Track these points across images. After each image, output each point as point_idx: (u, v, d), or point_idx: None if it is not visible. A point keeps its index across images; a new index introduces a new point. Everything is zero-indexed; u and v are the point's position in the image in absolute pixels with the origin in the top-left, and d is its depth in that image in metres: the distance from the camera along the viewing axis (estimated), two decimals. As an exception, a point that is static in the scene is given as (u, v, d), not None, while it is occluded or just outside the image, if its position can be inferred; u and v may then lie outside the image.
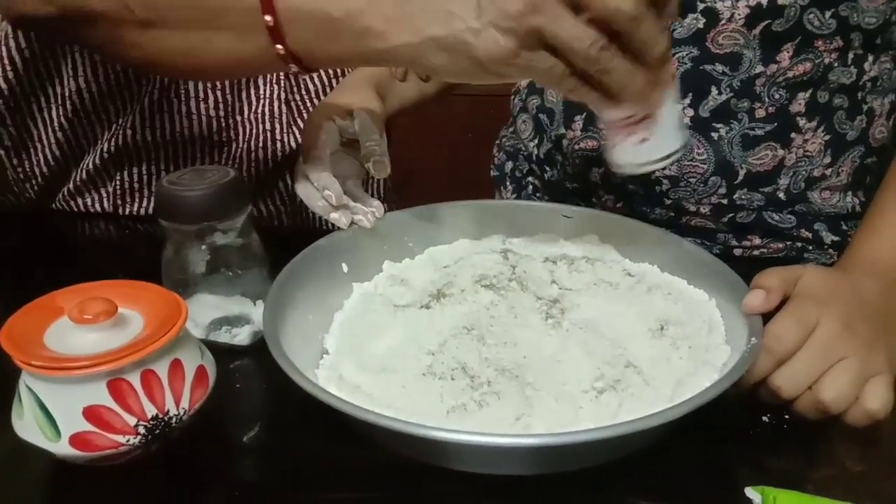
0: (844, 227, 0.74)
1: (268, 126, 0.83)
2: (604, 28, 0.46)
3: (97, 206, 0.84)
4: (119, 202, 0.83)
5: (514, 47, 0.47)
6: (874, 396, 0.50)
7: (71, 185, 0.83)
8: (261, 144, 0.83)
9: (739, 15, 0.66)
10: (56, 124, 0.79)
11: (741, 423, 0.52)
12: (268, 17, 0.51)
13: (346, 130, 0.66)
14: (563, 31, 0.46)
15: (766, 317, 0.52)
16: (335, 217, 0.63)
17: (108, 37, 0.58)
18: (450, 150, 1.91)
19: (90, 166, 0.81)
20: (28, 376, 0.44)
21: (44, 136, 0.80)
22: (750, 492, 0.45)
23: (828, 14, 0.65)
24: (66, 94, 0.77)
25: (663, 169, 0.64)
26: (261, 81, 0.82)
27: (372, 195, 0.67)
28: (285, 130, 0.83)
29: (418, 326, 0.55)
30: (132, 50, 0.57)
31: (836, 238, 0.74)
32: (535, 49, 0.47)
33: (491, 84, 0.51)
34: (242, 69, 0.66)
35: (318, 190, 0.62)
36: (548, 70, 0.48)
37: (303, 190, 0.64)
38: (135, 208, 0.83)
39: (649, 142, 0.52)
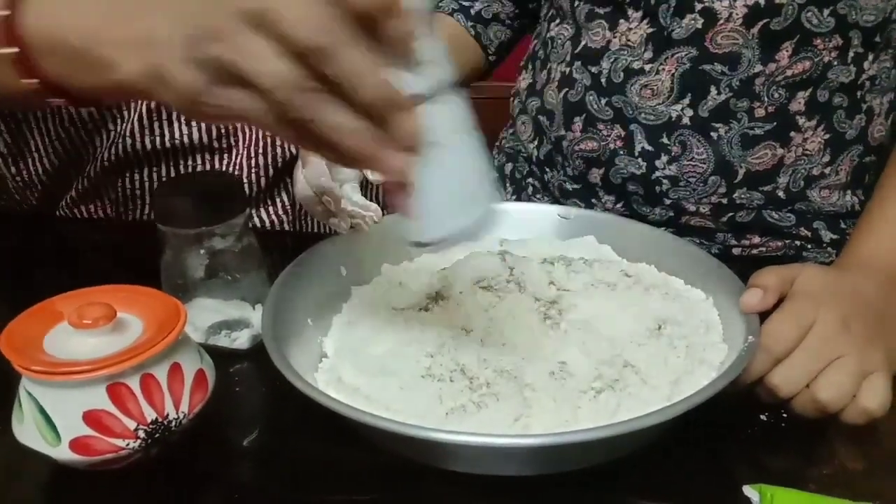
0: (843, 226, 0.75)
1: (267, 132, 0.83)
2: (306, 60, 0.38)
3: (100, 212, 0.84)
4: (122, 209, 0.83)
5: (200, 81, 0.39)
6: (871, 395, 0.50)
7: (73, 193, 0.83)
8: (261, 150, 0.83)
9: (738, 14, 0.67)
10: (53, 134, 0.79)
11: (739, 421, 0.52)
12: (12, 49, 0.45)
13: None
14: (248, 65, 0.38)
15: (764, 316, 0.52)
16: (335, 222, 0.63)
17: None
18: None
19: (91, 174, 0.81)
20: (28, 381, 0.45)
21: (41, 146, 0.80)
22: (748, 490, 0.45)
23: (826, 12, 0.66)
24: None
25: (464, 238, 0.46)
26: None
27: (370, 199, 0.67)
28: None
29: (417, 329, 0.55)
30: None
31: (835, 237, 0.74)
32: (228, 85, 0.39)
33: (209, 122, 0.44)
34: (21, 104, 0.59)
35: (318, 195, 0.63)
36: (245, 110, 0.40)
37: (302, 195, 0.64)
38: (137, 215, 0.84)
39: (418, 215, 0.43)
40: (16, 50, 0.46)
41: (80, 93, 0.48)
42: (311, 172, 0.63)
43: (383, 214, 0.65)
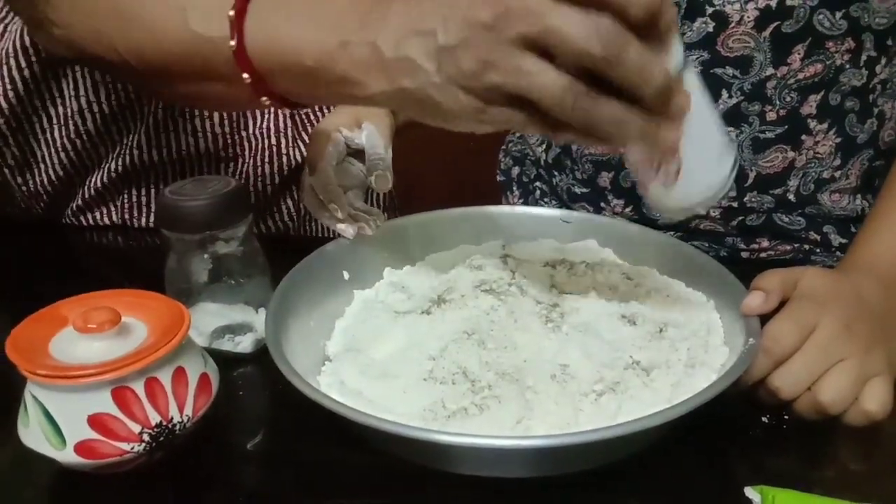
0: (853, 230, 0.74)
1: (273, 141, 0.83)
2: (582, 70, 0.40)
3: (105, 220, 0.84)
4: (127, 216, 0.84)
5: (476, 105, 0.42)
6: (873, 397, 0.50)
7: (79, 201, 0.84)
8: (266, 160, 0.83)
9: (749, 17, 0.66)
10: (59, 144, 0.79)
11: (740, 423, 0.52)
12: (245, 75, 0.49)
13: (352, 141, 0.67)
14: (526, 83, 0.40)
15: (766, 318, 0.52)
16: (342, 228, 0.63)
17: (130, 81, 0.59)
18: (452, 157, 1.91)
19: (98, 184, 0.82)
20: (33, 385, 0.45)
21: (47, 157, 0.80)
22: (749, 491, 0.45)
23: (838, 15, 0.65)
24: (69, 114, 0.78)
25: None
26: None
27: (374, 204, 0.68)
28: (291, 145, 0.84)
29: (419, 332, 0.56)
30: (150, 92, 0.59)
31: (844, 241, 0.74)
32: (501, 104, 0.42)
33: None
34: (243, 107, 0.66)
35: (325, 202, 0.63)
36: (522, 124, 0.43)
37: (309, 201, 0.65)
38: (142, 222, 0.84)
39: (682, 180, 0.45)
40: (249, 77, 0.49)
41: (303, 102, 0.52)
42: (318, 180, 0.63)
43: (386, 219, 0.65)
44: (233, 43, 0.48)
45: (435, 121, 0.46)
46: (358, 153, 0.67)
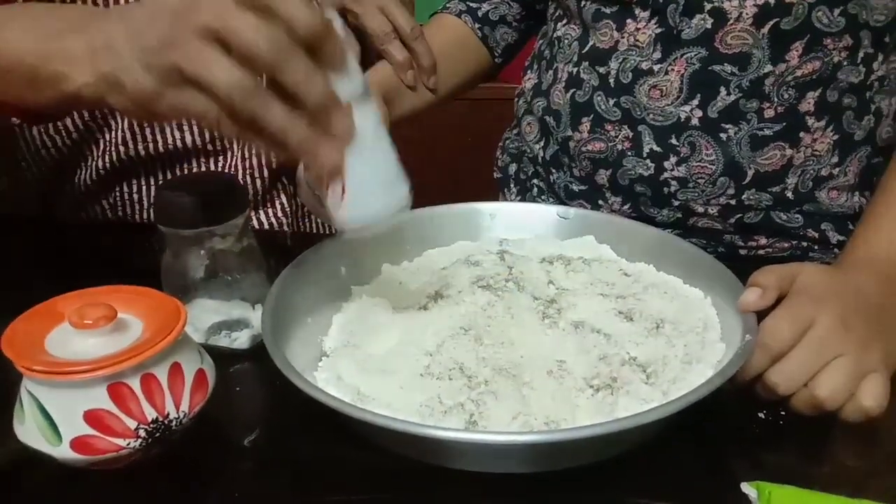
0: (851, 227, 0.74)
1: None
2: (255, 68, 0.43)
3: (100, 217, 0.84)
4: (121, 213, 0.84)
5: (155, 86, 0.45)
6: (869, 393, 0.50)
7: (72, 199, 0.84)
8: (255, 152, 0.83)
9: (747, 14, 0.66)
10: (38, 142, 0.79)
11: (737, 419, 0.52)
12: None
13: None
14: (203, 69, 0.43)
15: (763, 315, 0.52)
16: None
17: None
18: (450, 153, 1.91)
19: (88, 181, 0.82)
20: (29, 381, 0.45)
21: (27, 155, 0.80)
22: (746, 487, 0.45)
23: (836, 12, 0.65)
24: None
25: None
26: None
27: None
28: None
29: (416, 328, 0.56)
30: None
31: (842, 238, 0.74)
32: (181, 88, 0.44)
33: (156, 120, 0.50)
34: None
35: (320, 198, 0.63)
36: (200, 112, 0.45)
37: (306, 198, 0.65)
38: (136, 218, 0.84)
39: (346, 200, 0.49)
40: None
41: (35, 109, 0.54)
42: (313, 178, 0.63)
43: None
44: None
45: (125, 109, 0.48)
46: None
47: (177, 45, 0.43)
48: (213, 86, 0.43)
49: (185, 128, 0.80)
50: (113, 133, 0.79)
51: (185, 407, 0.47)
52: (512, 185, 0.91)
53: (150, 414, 0.45)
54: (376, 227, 0.51)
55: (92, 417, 0.44)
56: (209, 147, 0.81)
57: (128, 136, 0.79)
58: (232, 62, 0.43)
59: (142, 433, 0.45)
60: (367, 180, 0.49)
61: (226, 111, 0.44)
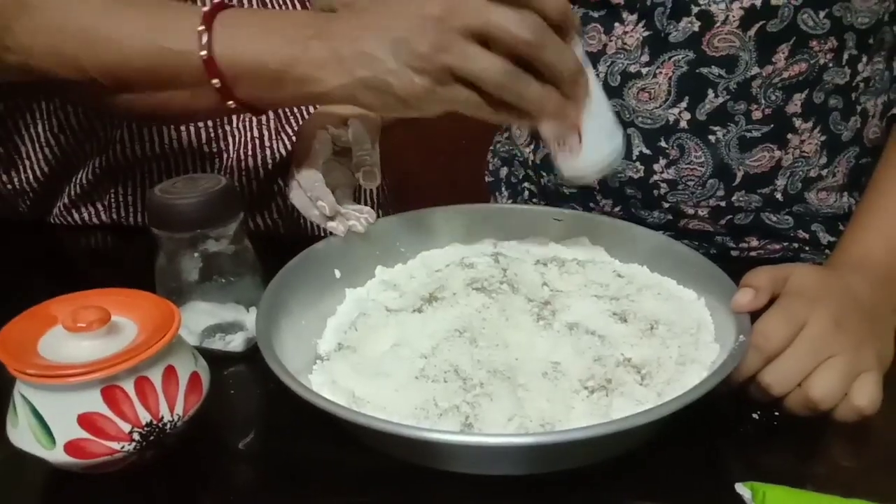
0: (841, 228, 0.75)
1: (255, 133, 0.83)
2: (513, 56, 0.50)
3: (94, 219, 0.84)
4: (115, 215, 0.84)
5: (428, 85, 0.51)
6: (863, 393, 0.50)
7: (66, 200, 0.83)
8: (250, 153, 0.83)
9: (734, 17, 0.67)
10: (42, 139, 0.79)
11: (731, 420, 0.52)
12: (214, 81, 0.55)
13: (339, 139, 0.67)
14: (473, 65, 0.50)
15: (756, 315, 0.52)
16: (332, 226, 0.63)
17: (87, 96, 0.64)
18: (443, 156, 1.91)
19: (83, 181, 0.81)
20: (22, 385, 0.45)
21: (31, 153, 0.80)
22: (740, 488, 0.45)
23: (822, 14, 0.66)
24: (52, 109, 0.78)
25: (617, 173, 0.68)
26: None
27: (366, 203, 0.68)
28: (274, 137, 0.84)
29: (411, 330, 0.55)
30: (108, 107, 0.62)
31: (832, 239, 0.75)
32: (449, 84, 0.51)
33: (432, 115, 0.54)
34: (205, 117, 0.71)
35: (312, 200, 0.63)
36: (465, 102, 0.52)
37: (297, 199, 0.65)
38: (130, 221, 0.84)
39: (581, 152, 0.55)
40: (218, 82, 0.55)
41: (264, 106, 0.60)
42: (305, 178, 0.63)
43: (378, 216, 0.65)
44: (203, 53, 0.55)
45: (391, 107, 0.53)
46: (345, 152, 0.67)
47: (447, 50, 0.50)
48: (482, 79, 0.50)
49: (182, 128, 0.80)
50: (114, 131, 0.79)
51: (179, 410, 0.47)
52: (503, 189, 0.91)
53: (145, 417, 0.45)
54: (600, 176, 0.59)
55: (86, 421, 0.44)
56: (205, 148, 0.81)
57: (126, 134, 0.79)
58: (494, 54, 0.50)
59: (136, 436, 0.45)
60: (595, 131, 0.55)
61: (489, 98, 0.51)
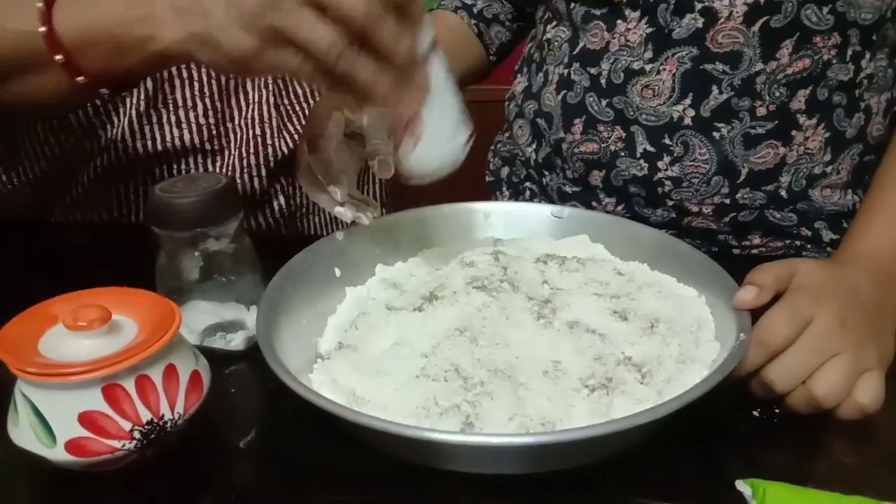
0: (845, 226, 0.75)
1: (258, 131, 0.83)
2: (348, 29, 0.48)
3: (95, 218, 0.84)
4: (116, 214, 0.83)
5: (256, 45, 0.48)
6: (866, 391, 0.50)
7: (68, 200, 0.83)
8: (252, 150, 0.83)
9: (738, 13, 0.67)
10: (42, 138, 0.79)
11: (732, 417, 0.52)
12: (58, 56, 0.54)
13: (352, 123, 0.66)
14: (302, 30, 0.48)
15: (759, 312, 0.52)
16: (340, 211, 0.62)
17: None
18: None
19: (84, 180, 0.81)
20: (23, 383, 0.45)
21: (31, 152, 0.80)
22: (740, 485, 0.45)
23: (825, 9, 0.66)
24: None
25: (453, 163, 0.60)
26: (249, 87, 0.83)
27: (367, 195, 0.67)
28: (275, 135, 0.84)
29: (411, 329, 0.55)
30: None
31: (835, 237, 0.75)
32: (278, 47, 0.49)
33: (253, 75, 0.54)
34: (66, 101, 0.65)
35: (324, 184, 0.62)
36: (295, 68, 0.49)
37: (306, 182, 0.64)
38: (131, 220, 0.84)
39: (420, 147, 0.54)
40: (62, 57, 0.54)
41: (121, 76, 0.57)
42: (318, 160, 0.62)
43: (381, 214, 0.65)
44: (42, 28, 0.53)
45: (222, 65, 0.51)
46: (353, 136, 0.66)
47: (278, 9, 0.47)
48: (311, 45, 0.48)
49: (184, 126, 0.80)
50: (114, 130, 0.79)
51: (179, 408, 0.47)
52: (504, 189, 0.91)
53: (145, 416, 0.45)
54: (439, 175, 0.56)
55: (86, 419, 0.44)
56: (207, 146, 0.81)
57: (127, 133, 0.79)
58: (328, 23, 0.47)
59: (136, 435, 0.45)
60: (435, 129, 0.53)
61: (320, 68, 0.49)
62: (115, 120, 0.79)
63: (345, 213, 0.62)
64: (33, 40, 0.54)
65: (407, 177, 0.57)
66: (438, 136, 0.54)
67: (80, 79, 0.56)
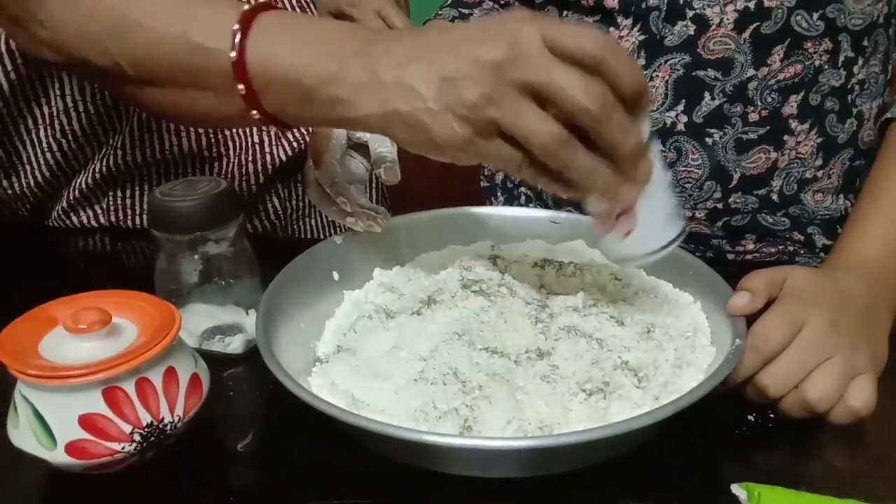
0: (838, 230, 0.75)
1: (256, 139, 0.83)
2: (569, 123, 0.45)
3: (92, 222, 0.84)
4: (113, 219, 0.84)
5: (468, 136, 0.45)
6: (858, 395, 0.51)
7: (64, 203, 0.83)
8: (251, 158, 0.83)
9: (728, 19, 0.67)
10: (45, 145, 0.79)
11: (727, 422, 0.52)
12: (240, 86, 0.50)
13: (354, 134, 0.66)
14: (522, 124, 0.44)
15: (754, 318, 0.53)
16: (351, 221, 0.62)
17: (114, 87, 0.60)
18: (438, 161, 1.91)
19: (83, 185, 0.81)
20: (23, 385, 0.45)
21: (33, 158, 0.80)
22: (736, 488, 0.46)
23: (815, 16, 0.67)
24: (54, 113, 0.77)
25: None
26: None
27: (376, 202, 0.67)
28: (274, 142, 0.84)
29: (409, 333, 0.56)
30: (133, 100, 0.59)
31: (828, 242, 0.75)
32: (491, 138, 0.46)
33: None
34: (227, 124, 0.64)
35: (332, 196, 0.62)
36: (505, 159, 0.46)
37: (315, 196, 0.64)
38: (129, 224, 0.84)
39: (633, 236, 0.51)
40: (244, 88, 0.50)
41: (290, 121, 0.53)
42: (324, 174, 0.63)
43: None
44: (233, 54, 0.49)
45: (423, 147, 0.48)
46: (358, 147, 0.67)
47: (498, 103, 0.44)
48: (530, 141, 0.45)
49: (183, 133, 0.80)
50: (116, 137, 0.79)
51: (179, 411, 0.47)
52: (499, 194, 0.91)
53: (145, 418, 0.45)
54: (645, 262, 0.53)
55: (87, 422, 0.44)
56: (205, 153, 0.81)
57: (127, 140, 0.79)
58: (548, 116, 0.44)
59: (136, 437, 0.45)
60: (650, 217, 0.50)
61: (533, 160, 0.46)
62: (118, 127, 0.79)
63: (356, 223, 0.62)
64: (220, 61, 0.50)
65: (612, 259, 0.54)
66: (649, 228, 0.51)
67: (254, 113, 0.52)
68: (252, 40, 0.50)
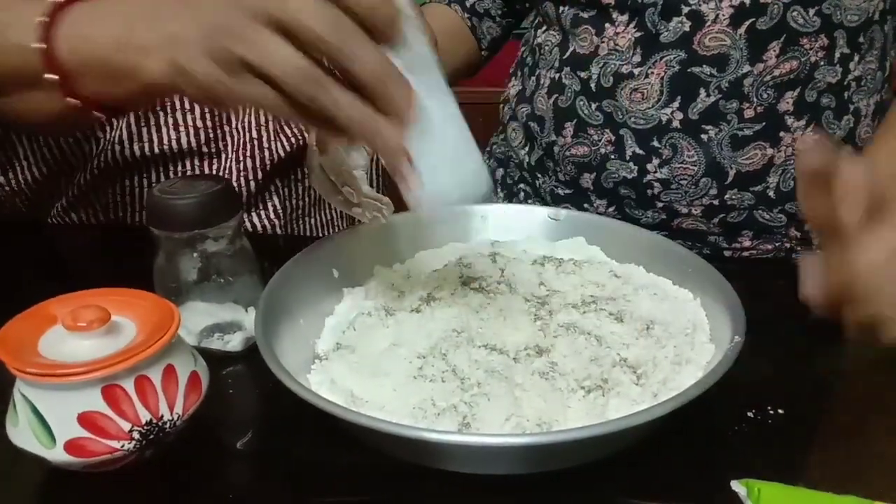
0: None
1: (254, 134, 0.83)
2: (319, 55, 0.44)
3: (91, 220, 0.84)
4: (113, 216, 0.84)
5: (219, 76, 0.44)
6: None
7: (64, 201, 0.83)
8: (249, 154, 0.83)
9: (724, 15, 0.67)
10: (41, 140, 0.79)
11: (727, 418, 0.52)
12: (53, 75, 0.51)
13: None
14: (266, 59, 0.43)
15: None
16: (357, 212, 0.62)
17: None
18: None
19: (81, 182, 0.82)
20: (22, 383, 0.45)
21: (29, 154, 0.80)
22: (735, 485, 0.46)
23: (811, 11, 0.67)
24: None
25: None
26: None
27: (380, 192, 0.66)
28: (272, 138, 0.84)
29: (409, 330, 0.56)
30: None
31: None
32: (242, 78, 0.44)
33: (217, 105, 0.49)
34: (63, 122, 0.60)
35: (338, 185, 0.62)
36: (260, 97, 0.45)
37: (319, 184, 0.63)
38: (128, 221, 0.84)
39: (418, 187, 0.47)
40: (56, 77, 0.51)
41: (115, 104, 0.54)
42: (329, 161, 0.62)
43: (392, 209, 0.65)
44: (42, 45, 0.51)
45: (191, 95, 0.47)
46: None
47: (237, 35, 0.43)
48: (275, 76, 0.43)
49: (182, 129, 0.80)
50: (112, 132, 0.79)
51: (178, 409, 0.47)
52: (499, 190, 0.91)
53: (144, 416, 0.45)
54: (451, 205, 0.49)
55: (86, 420, 0.44)
56: (204, 149, 0.81)
57: (125, 135, 0.79)
58: (293, 49, 0.43)
59: (136, 435, 0.45)
60: (435, 159, 0.46)
61: (287, 97, 0.44)
62: (114, 122, 0.79)
63: (362, 213, 0.62)
64: (29, 54, 0.51)
65: (413, 207, 0.49)
66: (436, 170, 0.47)
67: (70, 100, 0.52)
68: (61, 29, 0.51)
